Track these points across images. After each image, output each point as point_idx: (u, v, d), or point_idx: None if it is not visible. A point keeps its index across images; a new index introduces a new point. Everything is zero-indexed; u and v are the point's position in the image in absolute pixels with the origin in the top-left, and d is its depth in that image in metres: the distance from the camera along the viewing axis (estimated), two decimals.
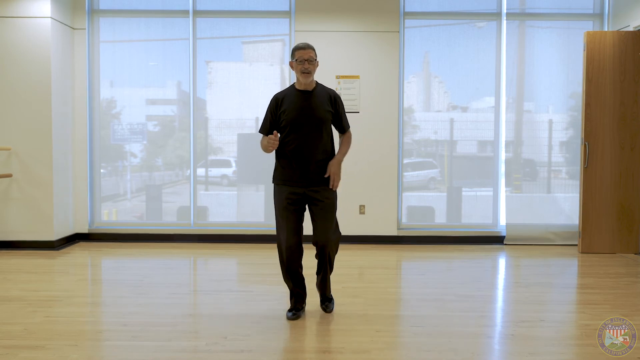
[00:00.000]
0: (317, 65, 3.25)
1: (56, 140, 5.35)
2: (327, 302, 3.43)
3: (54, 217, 5.32)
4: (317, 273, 3.41)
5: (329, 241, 3.27)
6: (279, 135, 3.22)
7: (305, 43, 3.23)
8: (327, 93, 3.30)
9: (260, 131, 3.33)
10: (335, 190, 3.30)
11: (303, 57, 3.16)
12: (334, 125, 3.35)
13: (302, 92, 3.24)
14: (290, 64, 3.24)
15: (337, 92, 3.26)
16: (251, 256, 5.15)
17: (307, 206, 3.30)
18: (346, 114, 3.40)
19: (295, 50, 3.20)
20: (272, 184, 3.34)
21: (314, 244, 3.29)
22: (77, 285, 4.10)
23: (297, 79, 3.24)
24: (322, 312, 3.39)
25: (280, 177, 3.27)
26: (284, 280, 3.38)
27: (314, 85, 3.27)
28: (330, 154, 3.29)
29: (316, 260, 3.37)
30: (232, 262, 5.10)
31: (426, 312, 3.40)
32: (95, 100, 5.83)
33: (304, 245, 3.34)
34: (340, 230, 3.42)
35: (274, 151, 3.28)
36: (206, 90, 5.98)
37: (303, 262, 3.36)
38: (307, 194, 3.23)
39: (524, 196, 5.92)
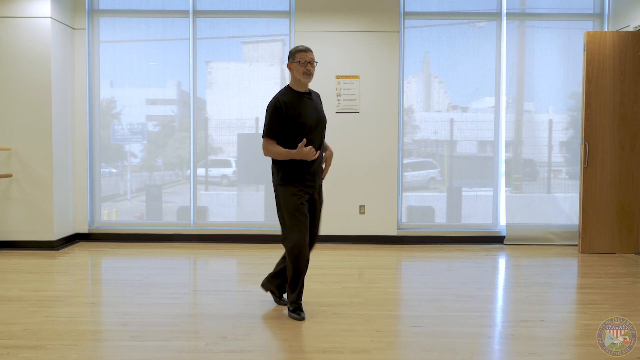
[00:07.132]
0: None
1: (56, 140, 5.35)
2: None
3: (54, 217, 5.32)
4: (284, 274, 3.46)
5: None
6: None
7: (305, 46, 3.26)
8: (317, 94, 3.42)
9: (271, 137, 3.19)
10: None
11: (305, 60, 3.20)
12: None
13: (303, 94, 3.27)
14: (288, 66, 3.25)
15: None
16: (251, 256, 5.15)
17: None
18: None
19: (296, 52, 3.21)
20: (278, 185, 3.24)
21: (311, 244, 3.36)
22: (77, 285, 4.10)
23: (297, 80, 3.24)
24: (322, 312, 3.39)
25: (293, 178, 3.20)
26: (299, 285, 3.27)
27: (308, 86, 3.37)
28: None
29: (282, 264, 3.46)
30: (232, 262, 5.09)
31: (426, 312, 3.41)
32: (95, 100, 5.83)
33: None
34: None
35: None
36: (206, 90, 5.98)
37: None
38: (313, 195, 3.32)
39: (524, 196, 5.92)
